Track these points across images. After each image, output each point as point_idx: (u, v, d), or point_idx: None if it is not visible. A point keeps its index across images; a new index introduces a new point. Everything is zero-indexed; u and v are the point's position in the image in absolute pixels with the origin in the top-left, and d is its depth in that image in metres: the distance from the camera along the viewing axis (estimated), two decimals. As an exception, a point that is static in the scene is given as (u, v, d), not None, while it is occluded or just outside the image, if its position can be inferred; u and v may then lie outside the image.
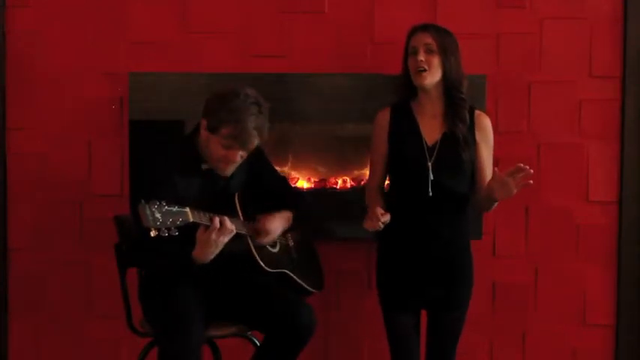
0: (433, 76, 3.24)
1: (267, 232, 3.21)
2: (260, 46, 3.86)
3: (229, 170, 3.20)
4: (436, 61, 3.23)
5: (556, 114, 3.89)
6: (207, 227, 2.98)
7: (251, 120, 3.08)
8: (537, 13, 3.88)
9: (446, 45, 3.24)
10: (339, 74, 3.80)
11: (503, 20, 3.87)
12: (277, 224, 3.27)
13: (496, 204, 3.27)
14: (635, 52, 3.86)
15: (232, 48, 3.86)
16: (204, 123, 3.14)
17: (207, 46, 3.85)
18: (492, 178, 3.14)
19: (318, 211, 3.65)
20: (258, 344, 3.29)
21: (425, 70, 3.22)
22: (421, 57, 3.22)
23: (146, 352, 3.24)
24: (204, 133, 3.14)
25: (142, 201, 2.80)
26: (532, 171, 3.06)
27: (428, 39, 3.24)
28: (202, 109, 3.15)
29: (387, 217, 3.15)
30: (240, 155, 3.14)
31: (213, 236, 2.97)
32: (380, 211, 3.15)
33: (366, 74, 3.79)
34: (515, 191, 3.08)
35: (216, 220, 2.96)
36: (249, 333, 3.34)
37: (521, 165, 3.06)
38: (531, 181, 3.07)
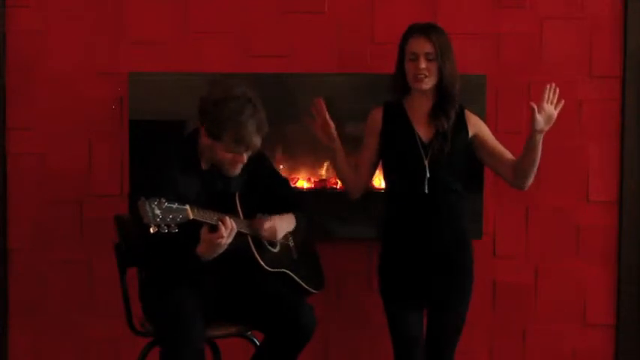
0: (432, 81, 3.26)
1: (263, 227, 3.20)
2: (260, 46, 3.86)
3: (237, 170, 3.20)
4: (435, 67, 3.25)
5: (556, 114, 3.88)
6: (210, 226, 2.99)
7: (251, 122, 3.09)
8: (537, 13, 3.88)
9: (443, 50, 3.25)
10: (339, 74, 3.81)
11: (503, 20, 3.87)
12: (277, 222, 3.26)
13: (538, 157, 3.28)
14: (635, 52, 3.86)
15: (232, 48, 3.86)
16: (203, 129, 3.14)
17: (207, 46, 3.85)
18: (537, 110, 3.18)
19: (318, 211, 3.65)
20: (258, 344, 3.30)
21: (426, 77, 3.24)
22: (423, 65, 3.23)
23: (146, 352, 3.24)
24: (205, 139, 3.15)
25: (142, 197, 2.81)
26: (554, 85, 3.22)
27: (428, 47, 3.23)
28: (198, 111, 3.15)
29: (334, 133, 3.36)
30: (246, 155, 3.16)
31: (224, 241, 2.98)
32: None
33: (366, 74, 3.79)
34: (555, 115, 3.22)
35: (225, 223, 2.97)
36: (249, 333, 3.35)
37: (548, 86, 3.22)
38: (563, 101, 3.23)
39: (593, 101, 3.90)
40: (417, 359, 3.32)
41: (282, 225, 3.29)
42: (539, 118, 3.18)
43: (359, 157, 3.44)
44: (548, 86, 3.21)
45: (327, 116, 3.38)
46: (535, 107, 3.16)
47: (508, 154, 3.35)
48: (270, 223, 3.22)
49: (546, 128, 3.21)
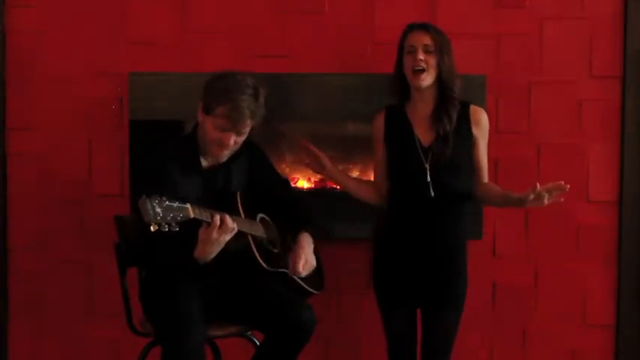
0: (430, 77, 3.25)
1: (298, 268, 3.23)
2: (260, 46, 3.87)
3: (224, 155, 3.19)
4: (433, 61, 3.24)
5: (556, 114, 3.89)
6: (208, 224, 2.98)
7: (244, 100, 3.08)
8: (537, 13, 3.88)
9: (442, 45, 3.25)
10: (339, 74, 3.81)
11: (503, 20, 3.88)
12: (306, 254, 3.27)
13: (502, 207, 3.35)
14: (635, 52, 3.86)
15: (232, 48, 3.86)
16: (200, 105, 3.15)
17: (207, 46, 3.85)
18: (533, 192, 3.12)
19: (318, 211, 3.65)
20: (258, 344, 3.30)
21: (423, 70, 3.23)
22: (420, 56, 3.22)
23: (146, 352, 3.24)
24: (200, 116, 3.15)
25: (143, 196, 2.81)
26: (568, 187, 3.12)
27: (427, 39, 3.24)
28: (202, 89, 3.16)
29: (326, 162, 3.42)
30: (233, 139, 3.13)
31: (214, 235, 2.97)
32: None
33: (366, 74, 3.79)
34: (545, 203, 3.13)
35: (217, 217, 2.97)
36: (249, 333, 3.35)
37: (562, 183, 3.12)
38: (562, 199, 3.16)
39: (593, 101, 3.90)
40: (407, 354, 3.32)
41: (309, 252, 3.29)
42: (531, 197, 3.14)
43: (374, 167, 3.48)
44: (562, 182, 3.14)
45: (316, 151, 3.43)
46: (538, 187, 3.11)
47: (485, 173, 3.35)
48: (302, 260, 3.23)
49: (528, 206, 3.20)
